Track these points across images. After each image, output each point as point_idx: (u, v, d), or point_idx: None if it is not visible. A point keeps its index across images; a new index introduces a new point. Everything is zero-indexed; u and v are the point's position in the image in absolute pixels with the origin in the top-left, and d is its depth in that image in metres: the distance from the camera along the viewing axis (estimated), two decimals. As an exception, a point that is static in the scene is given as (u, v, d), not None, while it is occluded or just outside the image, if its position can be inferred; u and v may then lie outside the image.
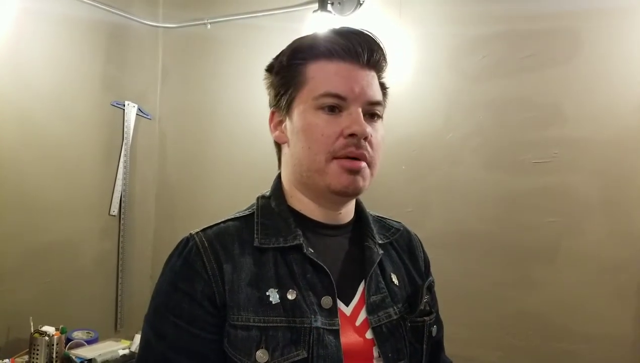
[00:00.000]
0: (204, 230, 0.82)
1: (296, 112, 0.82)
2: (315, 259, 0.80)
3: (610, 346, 1.81)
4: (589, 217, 1.86)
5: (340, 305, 0.81)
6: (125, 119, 2.55)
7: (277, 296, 0.77)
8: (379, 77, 0.86)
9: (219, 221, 0.85)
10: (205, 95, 2.63)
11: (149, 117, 2.69)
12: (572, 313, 1.87)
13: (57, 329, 2.01)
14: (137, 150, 2.63)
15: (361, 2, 2.21)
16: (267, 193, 0.89)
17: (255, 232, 0.82)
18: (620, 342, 1.80)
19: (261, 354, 0.74)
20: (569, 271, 1.88)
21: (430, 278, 0.96)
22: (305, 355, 0.75)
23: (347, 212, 0.88)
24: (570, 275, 1.88)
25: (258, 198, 0.89)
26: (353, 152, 0.79)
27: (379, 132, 0.83)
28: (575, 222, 1.88)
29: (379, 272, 0.87)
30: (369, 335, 0.81)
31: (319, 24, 2.15)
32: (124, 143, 2.55)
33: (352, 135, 0.78)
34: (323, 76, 0.80)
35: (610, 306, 1.82)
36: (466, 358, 1.93)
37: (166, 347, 0.76)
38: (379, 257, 0.87)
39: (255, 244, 0.81)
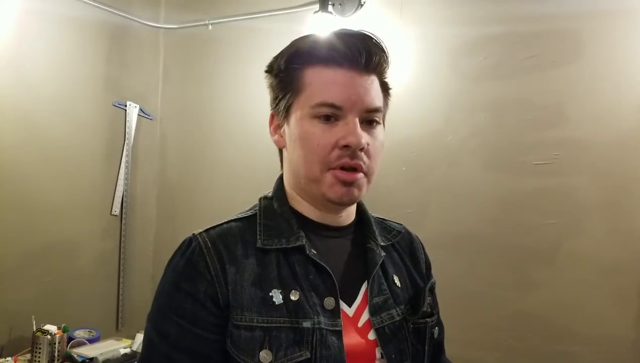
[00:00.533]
0: (207, 230, 0.83)
1: (293, 118, 0.82)
2: (317, 260, 0.81)
3: (610, 347, 1.82)
4: (590, 218, 1.86)
5: (343, 306, 0.81)
6: (127, 119, 2.56)
7: (280, 297, 0.78)
8: (381, 79, 0.84)
9: (222, 222, 0.85)
10: (207, 95, 2.64)
11: (150, 117, 2.69)
12: (572, 314, 1.87)
13: (59, 328, 2.03)
14: (138, 151, 2.64)
15: (362, 3, 2.21)
16: (270, 194, 0.89)
17: (258, 233, 0.83)
18: (620, 343, 1.81)
19: (265, 354, 0.74)
20: (569, 272, 1.89)
21: (432, 280, 0.97)
22: (309, 356, 0.75)
23: (349, 215, 0.89)
24: (570, 276, 1.88)
25: (260, 199, 0.89)
26: (348, 163, 0.78)
27: (378, 138, 0.82)
28: (576, 223, 1.88)
29: (381, 273, 0.87)
30: (371, 336, 0.81)
31: (320, 25, 2.16)
32: (125, 143, 2.56)
33: (346, 146, 0.77)
34: (320, 84, 0.79)
35: (610, 307, 1.82)
36: (465, 359, 1.93)
37: (169, 346, 0.76)
38: (381, 258, 0.87)
39: (258, 245, 0.81)
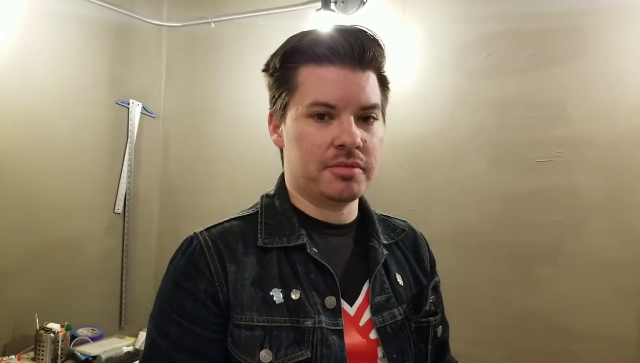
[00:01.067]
0: (207, 229, 0.83)
1: (289, 118, 0.81)
2: (319, 259, 0.80)
3: (613, 346, 1.81)
4: (592, 216, 1.86)
5: (344, 305, 0.81)
6: (130, 117, 2.56)
7: (281, 296, 0.77)
8: (378, 73, 0.83)
9: (223, 220, 0.85)
10: (209, 93, 2.64)
11: (153, 115, 2.70)
12: (575, 313, 1.87)
13: (62, 326, 2.03)
14: (141, 149, 2.64)
15: (364, 1, 2.21)
16: (271, 192, 0.89)
17: (259, 231, 0.82)
18: (623, 342, 1.80)
19: (265, 354, 0.74)
20: (572, 270, 1.88)
21: (436, 278, 0.96)
22: (309, 355, 0.75)
23: (350, 212, 0.88)
24: (573, 274, 1.88)
25: (262, 197, 0.89)
26: (344, 161, 0.77)
27: (376, 134, 0.81)
28: (579, 221, 1.88)
29: (383, 272, 0.86)
30: (372, 335, 0.81)
31: (323, 22, 2.15)
32: (128, 141, 2.56)
33: (341, 145, 0.76)
34: (313, 82, 0.78)
35: (613, 305, 1.82)
36: (469, 357, 1.93)
37: (170, 345, 0.76)
38: (384, 257, 0.87)
39: (258, 244, 0.81)
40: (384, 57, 0.82)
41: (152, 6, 2.68)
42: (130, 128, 2.56)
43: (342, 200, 0.82)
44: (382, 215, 0.97)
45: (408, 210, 2.11)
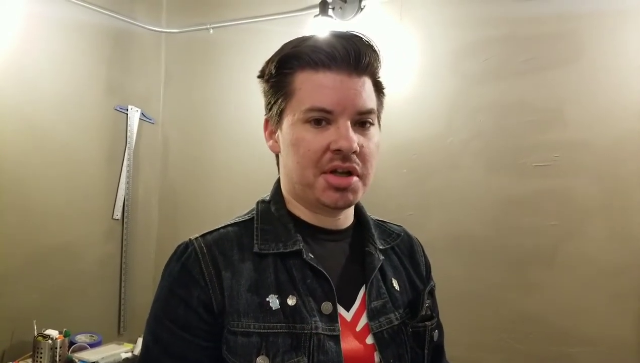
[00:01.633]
0: (203, 235, 0.83)
1: (285, 123, 0.81)
2: (315, 265, 0.81)
3: (611, 349, 1.81)
4: (590, 220, 1.86)
5: (341, 310, 0.81)
6: (129, 123, 2.57)
7: (277, 302, 0.77)
8: (374, 79, 0.83)
9: (219, 226, 0.85)
10: (208, 99, 2.65)
11: (152, 121, 2.70)
12: (573, 316, 1.87)
13: (60, 332, 2.03)
14: (140, 155, 2.64)
15: (362, 7, 2.22)
16: (267, 198, 0.89)
17: (254, 237, 0.83)
18: (620, 345, 1.80)
19: (261, 360, 0.74)
20: (569, 274, 1.88)
21: (432, 282, 0.96)
22: (306, 361, 0.75)
23: (346, 218, 0.88)
24: (571, 278, 1.88)
25: (258, 202, 0.89)
26: (340, 165, 0.78)
27: (372, 140, 0.81)
28: (576, 225, 1.88)
29: (379, 277, 0.86)
30: (369, 340, 0.81)
31: (321, 28, 2.16)
32: (127, 147, 2.56)
33: (338, 150, 0.77)
34: (309, 88, 0.78)
35: (610, 309, 1.82)
36: (466, 361, 1.93)
37: (161, 351, 0.77)
38: (380, 262, 0.87)
39: (254, 250, 0.81)
40: (380, 62, 0.83)
41: (151, 12, 2.69)
42: (129, 134, 2.57)
43: (337, 208, 0.82)
44: (378, 220, 0.97)
45: (406, 214, 2.11)
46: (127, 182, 2.55)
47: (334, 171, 0.78)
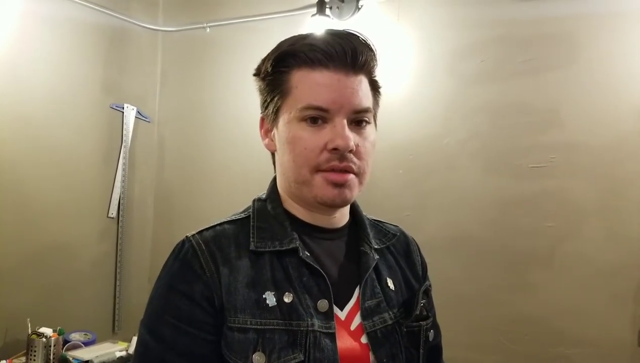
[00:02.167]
0: (200, 232, 0.82)
1: (281, 121, 0.81)
2: (311, 263, 0.80)
3: (607, 350, 1.81)
4: (586, 221, 1.87)
5: (335, 309, 0.81)
6: (125, 121, 2.56)
7: (274, 299, 0.77)
8: (370, 77, 0.83)
9: (215, 224, 0.85)
10: (204, 98, 2.64)
11: (148, 120, 2.69)
12: (570, 318, 1.87)
13: (54, 331, 2.02)
14: (136, 153, 2.64)
15: (359, 7, 2.22)
16: (263, 196, 0.89)
17: (251, 235, 0.82)
18: (617, 346, 1.81)
19: (258, 357, 0.74)
20: (566, 275, 1.89)
21: (427, 282, 0.96)
22: (302, 359, 0.75)
23: (342, 216, 0.88)
24: (568, 280, 1.88)
25: (254, 200, 0.89)
26: (337, 165, 0.77)
27: (369, 138, 0.81)
28: (573, 226, 1.88)
29: (374, 276, 0.86)
30: (364, 339, 0.81)
31: (318, 28, 2.16)
32: (122, 146, 2.55)
33: (335, 149, 0.77)
34: (305, 86, 0.78)
35: (607, 310, 1.82)
36: (464, 362, 1.93)
37: (165, 349, 0.75)
38: (374, 262, 0.87)
39: (251, 248, 0.81)
40: (376, 61, 0.83)
41: (148, 11, 2.68)
42: (124, 132, 2.56)
43: (334, 206, 0.82)
44: (374, 220, 0.97)
45: (403, 215, 2.11)
46: (123, 181, 2.54)
47: (331, 170, 0.78)
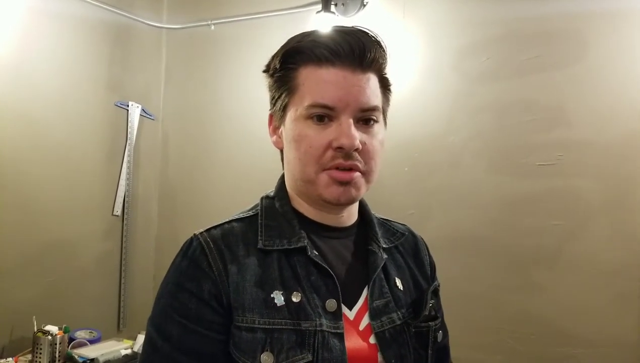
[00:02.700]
0: (208, 230, 0.82)
1: (288, 119, 0.81)
2: (319, 262, 0.80)
3: (613, 350, 1.80)
4: (593, 220, 1.85)
5: (344, 309, 0.80)
6: (129, 119, 2.56)
7: (282, 298, 0.77)
8: (380, 75, 0.82)
9: (223, 221, 0.84)
10: (209, 96, 2.64)
11: (152, 117, 2.69)
12: (575, 317, 1.86)
13: (60, 328, 2.02)
14: (140, 151, 2.64)
15: (365, 4, 2.21)
16: (271, 194, 0.88)
17: (259, 233, 0.82)
18: (622, 346, 1.80)
19: (266, 357, 0.73)
20: (572, 275, 1.87)
21: (436, 282, 0.95)
22: (310, 359, 0.74)
23: (350, 215, 0.88)
24: (573, 279, 1.87)
25: (262, 198, 0.88)
26: (342, 164, 0.77)
27: (377, 137, 0.80)
28: (579, 225, 1.87)
29: (382, 276, 0.86)
30: (372, 340, 0.80)
31: (323, 24, 2.15)
32: (127, 143, 2.55)
33: (340, 147, 0.76)
34: (312, 84, 0.78)
35: (613, 310, 1.81)
36: (468, 362, 1.93)
37: (173, 348, 0.75)
38: (383, 261, 0.86)
39: (259, 246, 0.80)
40: (386, 58, 0.82)
41: (152, 8, 2.67)
42: (129, 130, 2.56)
43: (339, 204, 0.81)
44: (382, 218, 0.96)
45: (407, 213, 2.11)
46: (127, 178, 2.54)
47: (336, 168, 0.77)
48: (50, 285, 2.23)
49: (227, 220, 0.85)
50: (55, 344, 1.97)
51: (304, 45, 0.79)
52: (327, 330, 0.76)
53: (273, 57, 0.83)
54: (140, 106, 2.60)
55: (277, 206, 0.85)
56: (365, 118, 0.79)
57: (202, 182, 2.64)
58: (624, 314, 1.80)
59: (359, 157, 0.78)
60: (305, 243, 0.80)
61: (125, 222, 2.54)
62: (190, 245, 0.80)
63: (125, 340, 2.23)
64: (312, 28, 0.84)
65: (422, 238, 1.00)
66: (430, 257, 0.99)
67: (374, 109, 0.79)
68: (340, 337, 0.77)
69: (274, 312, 0.76)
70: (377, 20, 2.20)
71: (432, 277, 0.96)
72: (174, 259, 0.81)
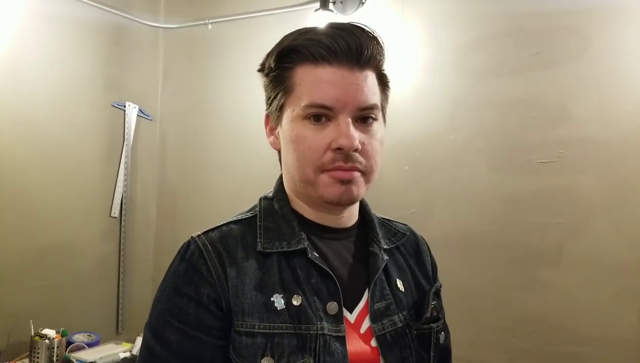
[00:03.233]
0: (205, 233, 0.80)
1: (285, 119, 0.79)
2: (320, 264, 0.78)
3: (616, 348, 1.79)
4: (595, 217, 1.84)
5: (344, 311, 0.78)
6: (126, 120, 2.54)
7: (282, 302, 0.75)
8: (378, 72, 0.80)
9: (221, 223, 0.82)
10: (207, 95, 2.62)
11: (149, 118, 2.67)
12: (578, 316, 1.85)
13: (57, 332, 2.00)
14: (138, 152, 2.62)
15: (363, 1, 2.19)
16: (270, 194, 0.87)
17: (258, 235, 0.80)
18: (626, 344, 1.78)
19: (266, 362, 0.72)
20: (574, 272, 1.86)
21: (438, 283, 0.93)
22: None
23: (350, 216, 0.86)
24: (576, 276, 1.86)
25: (261, 199, 0.87)
26: (342, 166, 0.75)
27: (376, 136, 0.78)
28: (581, 222, 1.86)
29: (383, 278, 0.84)
30: (374, 343, 0.78)
31: (321, 23, 2.13)
32: (124, 144, 2.53)
33: (339, 148, 0.74)
34: (309, 83, 0.76)
35: (616, 308, 1.80)
36: (470, 360, 1.91)
37: (171, 354, 0.73)
38: (384, 263, 0.84)
39: (258, 249, 0.79)
40: (383, 55, 0.80)
41: (149, 8, 2.66)
42: (126, 131, 2.54)
43: (341, 204, 0.79)
44: (383, 218, 0.94)
45: (408, 212, 2.09)
46: (125, 180, 2.53)
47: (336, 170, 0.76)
48: (48, 288, 2.21)
49: (225, 222, 0.83)
50: (53, 348, 1.95)
51: (299, 44, 0.77)
52: (329, 333, 0.75)
53: (268, 56, 0.81)
54: (137, 107, 2.59)
55: (276, 207, 0.84)
56: (364, 117, 0.77)
57: (200, 182, 2.63)
58: (627, 311, 1.79)
59: (359, 158, 0.76)
60: (306, 245, 0.79)
61: (123, 223, 2.53)
62: (188, 248, 0.78)
63: (124, 343, 2.22)
64: (310, 26, 0.82)
65: (423, 238, 0.99)
66: (431, 257, 0.97)
67: (372, 107, 0.77)
68: (342, 340, 0.75)
69: (274, 315, 0.74)
70: (376, 17, 2.18)
71: (434, 277, 0.95)
72: (172, 263, 0.79)
